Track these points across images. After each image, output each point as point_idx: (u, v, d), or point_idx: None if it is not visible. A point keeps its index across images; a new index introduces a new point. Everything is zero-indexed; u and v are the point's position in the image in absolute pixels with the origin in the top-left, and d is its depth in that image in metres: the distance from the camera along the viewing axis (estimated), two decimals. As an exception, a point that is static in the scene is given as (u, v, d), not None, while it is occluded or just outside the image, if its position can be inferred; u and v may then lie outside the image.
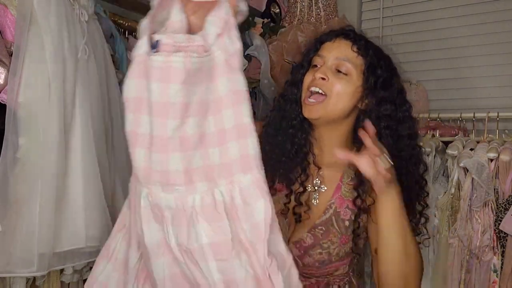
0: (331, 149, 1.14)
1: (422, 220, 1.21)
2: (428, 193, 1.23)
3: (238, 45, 0.74)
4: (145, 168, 0.74)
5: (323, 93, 1.12)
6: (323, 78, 1.12)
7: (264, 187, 0.77)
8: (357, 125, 1.16)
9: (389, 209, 1.03)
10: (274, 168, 1.17)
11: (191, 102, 0.72)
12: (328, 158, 1.19)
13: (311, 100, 1.13)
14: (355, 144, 1.17)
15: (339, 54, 1.14)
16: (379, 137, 1.10)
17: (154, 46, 0.71)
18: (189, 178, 0.75)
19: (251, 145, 0.76)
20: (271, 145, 1.19)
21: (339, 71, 1.13)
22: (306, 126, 1.20)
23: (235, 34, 0.75)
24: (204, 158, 0.75)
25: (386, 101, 1.15)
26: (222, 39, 0.73)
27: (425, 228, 1.26)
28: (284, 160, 1.18)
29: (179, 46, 0.71)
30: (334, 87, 1.11)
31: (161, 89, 0.70)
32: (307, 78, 1.16)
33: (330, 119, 1.15)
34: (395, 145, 1.13)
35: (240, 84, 0.75)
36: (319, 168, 1.19)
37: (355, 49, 1.14)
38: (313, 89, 1.13)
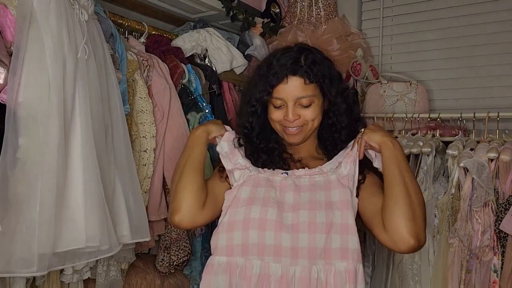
0: (305, 146, 1.33)
1: None
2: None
3: (349, 171, 1.22)
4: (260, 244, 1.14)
5: (300, 128, 1.27)
6: (296, 119, 1.24)
7: (354, 277, 1.12)
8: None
9: (394, 154, 1.17)
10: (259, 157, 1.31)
11: (306, 201, 1.18)
12: (305, 151, 1.33)
13: (291, 129, 1.26)
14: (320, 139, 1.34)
15: (297, 93, 1.23)
16: (333, 126, 1.31)
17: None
18: (295, 253, 1.13)
19: (351, 241, 1.13)
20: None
21: (302, 105, 1.24)
22: (278, 153, 1.33)
23: (351, 161, 1.22)
24: (310, 241, 1.12)
25: (339, 102, 1.29)
26: (339, 169, 1.23)
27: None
28: (263, 150, 1.33)
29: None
30: (307, 117, 1.25)
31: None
32: (277, 116, 1.27)
33: (309, 137, 1.31)
34: (347, 112, 1.31)
35: (348, 196, 1.18)
36: (299, 160, 1.31)
37: (307, 81, 1.23)
38: (290, 129, 1.26)
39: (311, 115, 1.25)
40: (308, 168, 1.27)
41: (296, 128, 1.26)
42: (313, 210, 1.15)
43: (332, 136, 1.31)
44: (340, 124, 1.30)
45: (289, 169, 1.28)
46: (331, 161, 1.26)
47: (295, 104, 1.23)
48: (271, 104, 1.27)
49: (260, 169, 1.26)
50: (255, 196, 1.19)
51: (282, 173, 1.24)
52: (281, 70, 1.23)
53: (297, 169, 1.27)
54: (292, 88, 1.22)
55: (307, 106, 1.24)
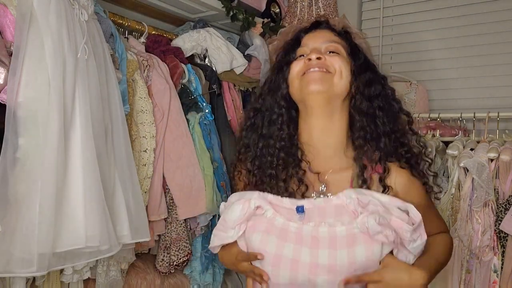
0: (326, 150, 1.09)
1: (431, 177, 1.16)
2: (428, 153, 1.20)
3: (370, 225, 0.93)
4: None
5: (325, 70, 1.07)
6: (318, 58, 1.07)
7: None
8: (350, 124, 1.12)
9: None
10: (264, 183, 1.09)
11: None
12: (325, 160, 1.09)
13: (313, 70, 1.06)
14: (352, 142, 1.10)
15: (324, 39, 1.12)
16: (374, 118, 1.09)
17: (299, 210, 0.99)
18: None
19: None
20: (256, 161, 1.13)
21: (330, 52, 1.10)
22: (293, 131, 1.14)
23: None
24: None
25: (374, 82, 1.12)
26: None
27: (436, 184, 1.19)
28: (271, 174, 1.10)
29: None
30: (334, 64, 1.07)
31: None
32: (295, 66, 1.10)
33: (334, 97, 1.08)
34: (391, 122, 1.10)
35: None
36: (319, 173, 1.08)
37: (336, 34, 1.14)
38: (312, 71, 1.06)
39: (338, 64, 1.07)
40: (327, 189, 1.05)
41: (319, 69, 1.06)
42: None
43: (367, 120, 1.08)
44: (375, 102, 1.09)
45: (305, 189, 1.06)
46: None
47: (320, 50, 1.09)
48: (295, 61, 1.12)
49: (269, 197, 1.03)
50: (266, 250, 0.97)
51: (296, 214, 0.99)
52: (309, 25, 1.16)
53: (316, 191, 1.06)
54: (320, 35, 1.12)
55: (333, 53, 1.09)
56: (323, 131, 1.10)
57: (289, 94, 1.14)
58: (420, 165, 1.12)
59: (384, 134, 1.08)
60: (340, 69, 1.08)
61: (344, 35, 1.16)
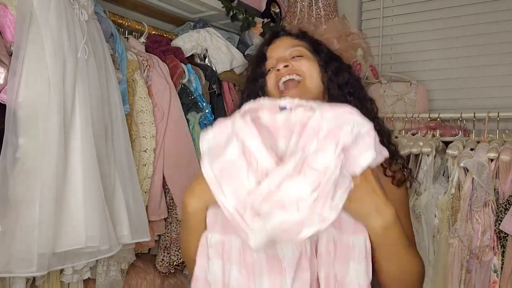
0: None
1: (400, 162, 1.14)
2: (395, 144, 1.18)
3: None
4: None
5: (295, 78, 1.10)
6: (286, 66, 1.11)
7: None
8: None
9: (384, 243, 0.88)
10: None
11: None
12: None
13: (288, 88, 1.10)
14: None
15: (285, 46, 1.16)
16: (346, 102, 1.10)
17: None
18: None
19: None
20: None
21: (295, 57, 1.13)
22: None
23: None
24: None
25: (341, 70, 1.16)
26: None
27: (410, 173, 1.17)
28: None
29: None
30: (302, 68, 1.11)
31: None
32: (270, 79, 1.14)
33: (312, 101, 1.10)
34: (362, 107, 1.11)
35: None
36: None
37: (294, 37, 1.18)
38: (284, 79, 1.10)
39: (305, 66, 1.11)
40: None
41: (291, 80, 1.09)
42: None
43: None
44: (346, 89, 1.13)
45: None
46: None
47: (285, 58, 1.13)
48: (267, 75, 1.16)
49: None
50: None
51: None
52: (269, 36, 1.22)
53: None
54: (281, 44, 1.17)
55: (298, 57, 1.12)
56: None
57: None
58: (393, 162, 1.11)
59: None
60: (309, 71, 1.11)
61: (302, 36, 1.19)
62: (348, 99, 1.14)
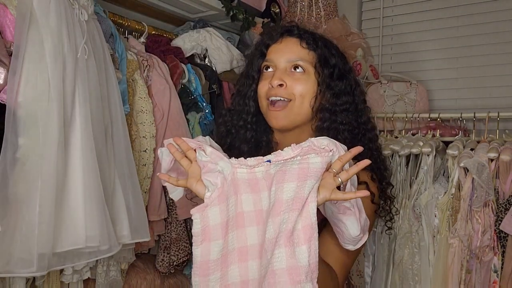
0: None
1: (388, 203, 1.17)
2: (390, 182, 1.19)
3: None
4: None
5: (285, 99, 1.08)
6: (280, 85, 1.08)
7: None
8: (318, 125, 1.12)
9: None
10: None
11: None
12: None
13: (275, 101, 1.09)
14: None
15: (289, 55, 1.10)
16: (336, 133, 1.08)
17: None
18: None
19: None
20: None
21: (295, 70, 1.09)
22: (266, 139, 1.16)
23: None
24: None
25: (344, 93, 1.11)
26: None
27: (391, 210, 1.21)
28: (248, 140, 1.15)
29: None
30: (295, 90, 1.08)
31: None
32: (262, 86, 1.11)
33: (298, 123, 1.10)
34: (353, 141, 1.08)
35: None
36: None
37: (304, 45, 1.10)
38: (273, 98, 1.08)
39: (300, 88, 1.07)
40: None
41: (281, 101, 1.07)
42: None
43: (328, 136, 1.07)
44: (340, 118, 1.09)
45: None
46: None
47: (285, 69, 1.09)
48: (262, 75, 1.13)
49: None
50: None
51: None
52: (277, 31, 1.13)
53: None
54: (286, 48, 1.10)
55: (298, 72, 1.08)
56: (290, 140, 1.09)
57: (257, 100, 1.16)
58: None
59: (344, 129, 1.09)
60: (301, 95, 1.08)
61: (314, 43, 1.12)
62: (338, 128, 1.09)
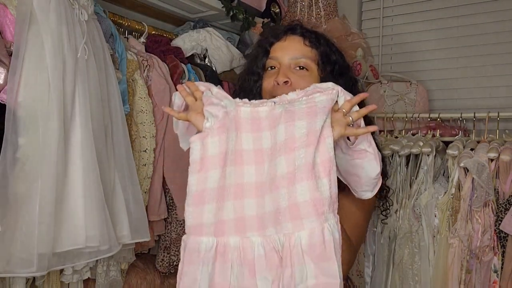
0: None
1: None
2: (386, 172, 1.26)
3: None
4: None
5: None
6: (286, 82, 1.11)
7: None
8: None
9: None
10: None
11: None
12: None
13: None
14: None
15: (293, 52, 1.14)
16: None
17: None
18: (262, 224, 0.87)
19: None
20: None
21: (298, 68, 1.13)
22: None
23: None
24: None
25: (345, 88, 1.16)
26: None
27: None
28: None
29: None
30: (299, 86, 1.08)
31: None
32: (267, 84, 1.15)
33: None
34: None
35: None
36: None
37: (307, 43, 1.14)
38: (279, 97, 1.10)
39: (304, 84, 1.07)
40: None
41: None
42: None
43: None
44: None
45: None
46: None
47: (289, 66, 1.13)
48: (266, 72, 1.17)
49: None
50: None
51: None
52: (280, 29, 1.17)
53: None
54: (289, 46, 1.14)
55: (302, 69, 1.13)
56: None
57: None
58: None
59: None
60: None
61: (317, 41, 1.16)
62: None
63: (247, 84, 1.21)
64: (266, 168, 0.89)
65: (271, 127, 0.89)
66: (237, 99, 0.92)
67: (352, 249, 1.10)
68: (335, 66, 1.16)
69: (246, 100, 0.93)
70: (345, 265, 1.07)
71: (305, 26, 1.19)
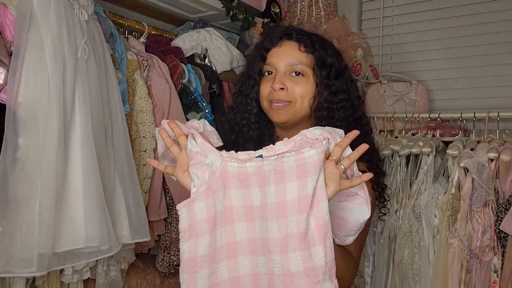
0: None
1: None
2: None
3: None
4: None
5: (287, 102, 1.15)
6: (282, 88, 1.13)
7: None
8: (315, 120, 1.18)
9: None
10: None
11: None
12: None
13: (277, 104, 1.15)
14: None
15: (289, 58, 1.15)
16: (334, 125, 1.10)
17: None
18: None
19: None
20: None
21: (294, 74, 1.15)
22: (268, 134, 1.23)
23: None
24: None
25: (341, 91, 1.17)
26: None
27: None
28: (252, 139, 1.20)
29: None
30: (295, 93, 1.14)
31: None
32: (264, 89, 1.17)
33: (298, 120, 1.17)
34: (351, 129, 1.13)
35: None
36: None
37: (302, 48, 1.15)
38: (275, 104, 1.15)
39: (300, 90, 1.14)
40: None
41: (282, 104, 1.14)
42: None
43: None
44: (337, 115, 1.16)
45: None
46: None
47: (285, 73, 1.15)
48: (263, 77, 1.18)
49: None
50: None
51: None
52: (276, 34, 1.18)
53: None
54: (285, 52, 1.15)
55: (298, 75, 1.14)
56: (291, 135, 1.13)
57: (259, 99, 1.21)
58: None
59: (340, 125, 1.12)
60: (301, 96, 1.14)
61: (312, 46, 1.17)
62: (336, 124, 1.13)
63: (245, 88, 1.23)
64: (258, 227, 0.87)
65: (260, 184, 0.86)
66: (223, 152, 0.87)
67: (354, 265, 1.11)
68: (331, 70, 1.17)
69: (232, 152, 0.88)
70: (348, 281, 1.08)
71: (301, 30, 1.20)
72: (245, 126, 1.24)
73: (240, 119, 1.23)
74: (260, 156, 0.86)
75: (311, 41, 1.17)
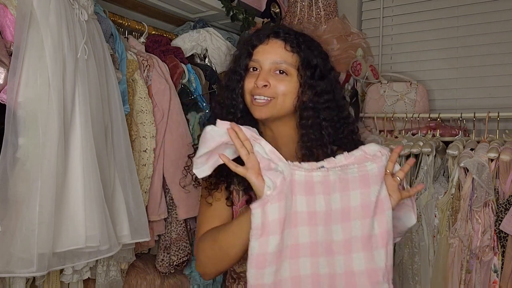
0: (287, 144, 1.18)
1: None
2: None
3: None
4: None
5: (269, 98, 1.16)
6: (265, 85, 1.15)
7: None
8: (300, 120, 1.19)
9: None
10: (228, 177, 1.16)
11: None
12: (286, 153, 1.13)
13: (259, 100, 1.16)
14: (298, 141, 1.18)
15: (274, 57, 1.16)
16: (320, 129, 1.16)
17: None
18: None
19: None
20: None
21: (278, 72, 1.16)
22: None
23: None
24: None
25: (325, 92, 1.18)
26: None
27: None
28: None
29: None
30: (278, 90, 1.15)
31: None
32: (248, 84, 1.18)
33: (279, 117, 1.18)
34: (336, 135, 1.18)
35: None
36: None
37: (288, 48, 1.16)
38: (257, 97, 1.16)
39: (282, 88, 1.14)
40: None
41: (264, 99, 1.15)
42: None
43: (313, 132, 1.15)
44: (323, 115, 1.16)
45: None
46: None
47: (269, 70, 1.15)
48: (248, 72, 1.19)
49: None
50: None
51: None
52: (264, 32, 1.19)
53: None
54: (271, 50, 1.16)
55: (282, 74, 1.15)
56: (282, 130, 1.20)
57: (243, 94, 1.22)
58: None
59: (328, 143, 1.16)
60: (283, 94, 1.15)
61: (298, 45, 1.17)
62: (321, 125, 1.16)
63: (230, 82, 1.24)
64: (321, 231, 0.98)
65: (325, 192, 0.97)
66: (290, 162, 0.99)
67: None
68: (315, 71, 1.18)
69: (296, 163, 0.99)
70: None
71: (289, 30, 1.21)
72: (231, 120, 1.24)
73: (226, 113, 1.23)
74: (322, 167, 0.99)
75: (298, 41, 1.18)
